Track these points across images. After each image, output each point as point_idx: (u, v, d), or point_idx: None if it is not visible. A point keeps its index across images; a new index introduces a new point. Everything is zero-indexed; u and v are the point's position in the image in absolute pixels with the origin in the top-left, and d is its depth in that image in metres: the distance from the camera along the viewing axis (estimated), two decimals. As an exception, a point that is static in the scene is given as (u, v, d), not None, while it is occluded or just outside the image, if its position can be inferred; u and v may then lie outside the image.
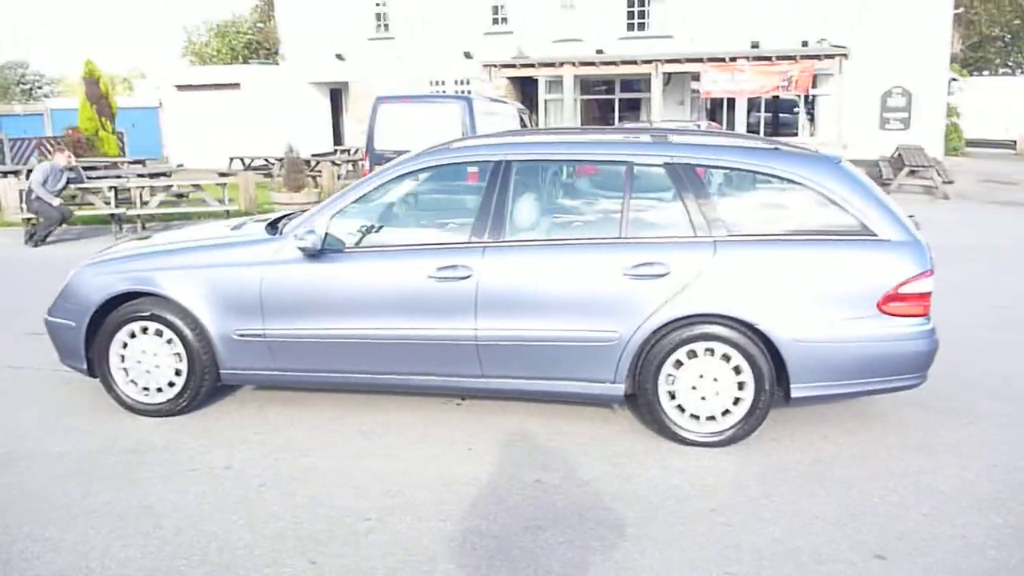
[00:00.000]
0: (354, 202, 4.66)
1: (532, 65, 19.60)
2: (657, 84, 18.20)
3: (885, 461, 4.25)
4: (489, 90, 19.75)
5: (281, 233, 4.82)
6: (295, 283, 4.59)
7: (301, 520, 3.65)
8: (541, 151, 4.70)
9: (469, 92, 24.28)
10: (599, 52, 23.83)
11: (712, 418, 4.39)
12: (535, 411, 4.86)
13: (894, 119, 23.13)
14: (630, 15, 24.70)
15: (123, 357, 4.82)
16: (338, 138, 28.25)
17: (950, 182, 17.99)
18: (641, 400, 4.42)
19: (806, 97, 20.48)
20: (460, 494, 3.90)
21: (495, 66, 19.40)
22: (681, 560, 3.33)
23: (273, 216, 5.52)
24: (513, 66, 19.48)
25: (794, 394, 4.30)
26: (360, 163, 12.56)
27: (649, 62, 18.15)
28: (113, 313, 4.78)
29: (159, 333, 4.76)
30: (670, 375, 4.37)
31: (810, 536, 3.51)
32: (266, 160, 19.93)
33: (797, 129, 22.04)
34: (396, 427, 4.69)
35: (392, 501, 3.82)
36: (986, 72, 38.85)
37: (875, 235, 4.26)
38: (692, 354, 4.34)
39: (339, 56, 27.12)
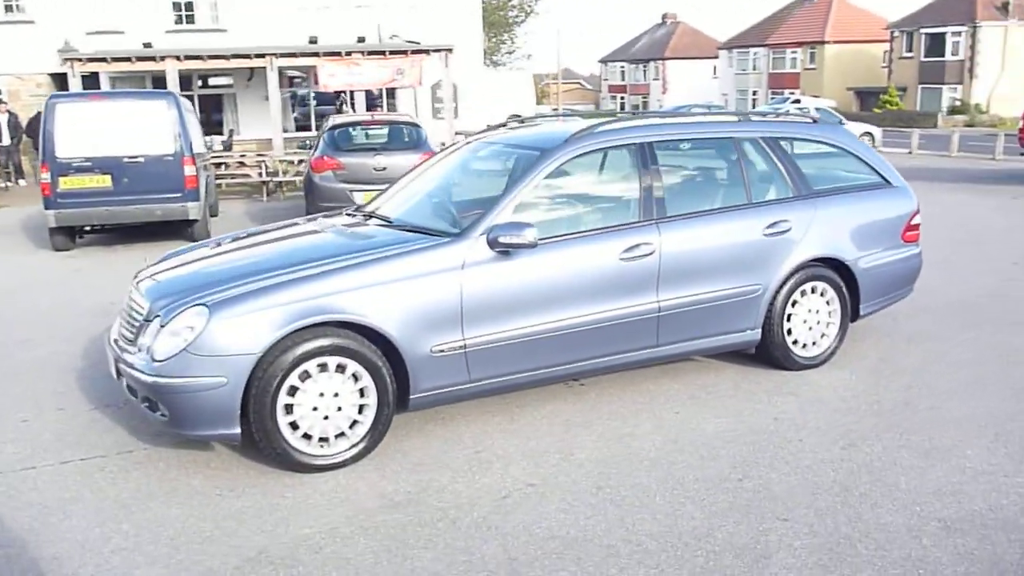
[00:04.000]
0: (528, 193, 4.50)
1: (128, 59, 17.20)
2: (273, 78, 17.59)
3: (938, 350, 5.69)
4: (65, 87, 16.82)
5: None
6: (494, 284, 4.30)
7: (739, 488, 3.72)
8: (672, 132, 5.08)
9: (-3, 90, 20.31)
10: (147, 46, 21.77)
11: (815, 344, 5.36)
12: (647, 377, 5.25)
13: (444, 108, 25.70)
14: (176, 7, 23.11)
15: (289, 407, 3.94)
16: None
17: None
18: (771, 339, 5.18)
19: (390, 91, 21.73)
20: (752, 444, 4.27)
21: (79, 59, 16.52)
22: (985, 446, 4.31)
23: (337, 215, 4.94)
24: (104, 60, 16.83)
25: (862, 312, 5.50)
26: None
27: (263, 56, 17.42)
28: (276, 355, 3.87)
29: (340, 368, 4.00)
30: (789, 314, 5.22)
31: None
32: None
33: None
34: (604, 408, 4.77)
35: (717, 464, 4.05)
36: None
37: (890, 184, 5.66)
38: (803, 293, 5.24)
39: None
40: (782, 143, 5.31)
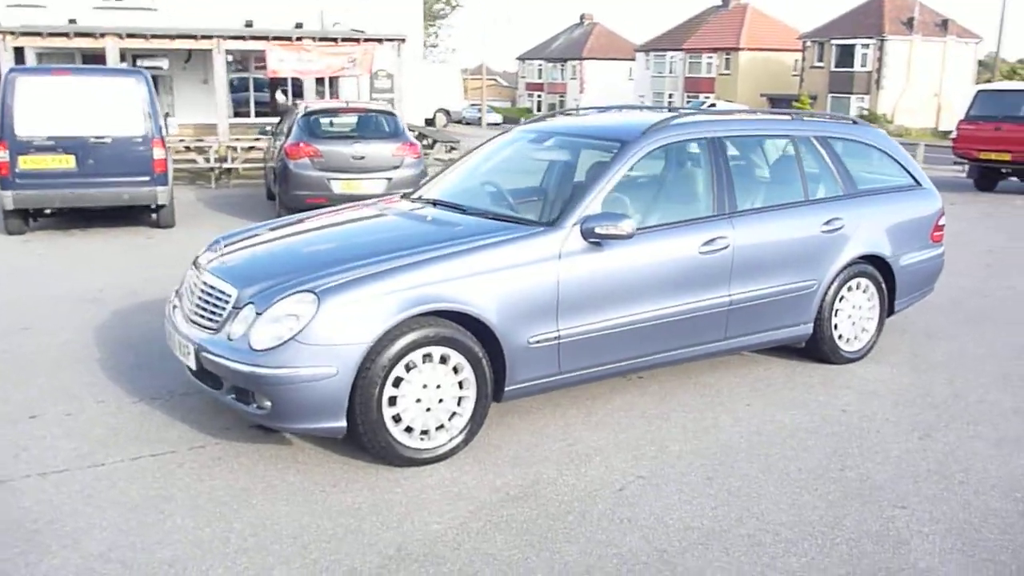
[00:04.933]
0: (614, 185, 4.46)
1: (65, 35, 16.15)
2: (220, 61, 16.86)
3: (957, 346, 5.94)
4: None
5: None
6: (587, 275, 4.25)
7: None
8: (739, 128, 5.14)
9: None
10: (72, 22, 20.62)
11: (856, 338, 5.52)
12: (701, 371, 5.31)
13: (382, 98, 25.29)
14: (103, -18, 21.92)
15: (393, 399, 3.80)
16: None
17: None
18: (820, 334, 5.30)
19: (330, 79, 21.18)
20: (834, 435, 4.37)
21: (12, 33, 15.40)
22: (1026, 426, 4.52)
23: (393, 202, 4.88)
24: (39, 35, 15.76)
25: (896, 308, 5.70)
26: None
27: (210, 37, 16.68)
28: (384, 345, 3.72)
29: (443, 359, 3.89)
30: (837, 309, 5.36)
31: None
32: None
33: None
34: (674, 401, 4.78)
35: (811, 455, 4.14)
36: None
37: (920, 185, 5.87)
38: (849, 289, 5.39)
39: None
40: (831, 142, 5.45)
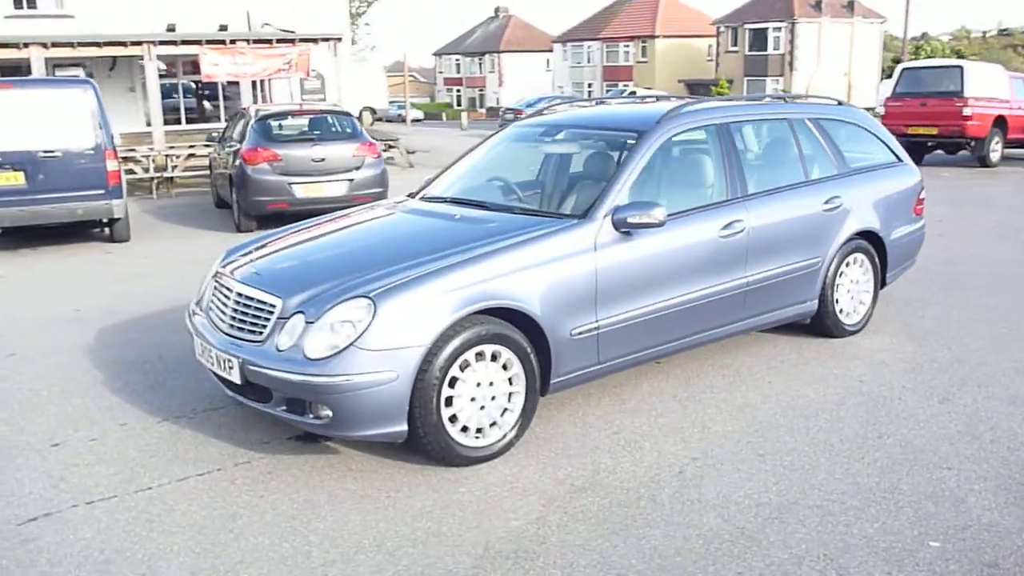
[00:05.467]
0: (637, 175, 4.53)
1: None
2: (152, 68, 16.26)
3: (942, 313, 6.23)
4: None
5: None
6: (623, 264, 4.31)
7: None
8: (743, 113, 5.25)
9: None
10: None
11: (855, 311, 5.73)
12: (715, 353, 5.45)
13: (312, 98, 24.90)
14: (16, -10, 21.01)
15: (449, 399, 3.79)
16: None
17: (413, 152, 20.72)
18: (824, 309, 5.48)
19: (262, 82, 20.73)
20: (860, 405, 4.55)
21: None
22: (1031, 384, 4.79)
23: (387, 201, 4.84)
24: None
25: (888, 280, 5.94)
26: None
27: (140, 43, 16.05)
28: (441, 346, 3.70)
29: (494, 356, 3.90)
30: (837, 284, 5.56)
31: None
32: None
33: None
34: (699, 384, 4.89)
35: (846, 425, 4.30)
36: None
37: (902, 161, 6.13)
38: (847, 264, 5.59)
39: None
40: (822, 123, 5.63)
